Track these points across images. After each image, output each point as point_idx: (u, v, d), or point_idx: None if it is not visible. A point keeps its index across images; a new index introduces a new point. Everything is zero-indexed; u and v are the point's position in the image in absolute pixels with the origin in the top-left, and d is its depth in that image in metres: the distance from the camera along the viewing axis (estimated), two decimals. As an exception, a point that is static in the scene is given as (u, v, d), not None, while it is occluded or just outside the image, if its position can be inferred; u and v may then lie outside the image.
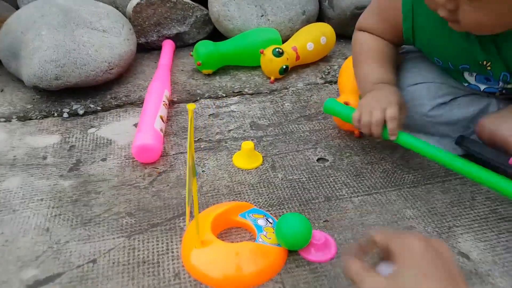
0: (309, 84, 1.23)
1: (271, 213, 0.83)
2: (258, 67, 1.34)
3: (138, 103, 1.18)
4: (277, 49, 1.24)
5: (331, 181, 0.91)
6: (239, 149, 1.00)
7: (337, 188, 0.89)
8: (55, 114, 1.15)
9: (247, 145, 0.95)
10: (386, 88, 0.88)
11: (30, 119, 1.13)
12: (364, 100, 0.88)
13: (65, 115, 1.14)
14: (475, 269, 0.71)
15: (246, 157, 0.96)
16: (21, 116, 1.14)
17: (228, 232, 0.80)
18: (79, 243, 0.78)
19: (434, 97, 0.92)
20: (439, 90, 0.92)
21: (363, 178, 0.91)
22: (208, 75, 1.31)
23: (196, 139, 1.04)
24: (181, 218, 0.83)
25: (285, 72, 1.27)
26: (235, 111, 1.14)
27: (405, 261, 0.49)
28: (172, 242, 0.78)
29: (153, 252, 0.76)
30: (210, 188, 0.90)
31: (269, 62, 1.25)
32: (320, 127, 1.07)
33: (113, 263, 0.75)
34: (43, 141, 1.05)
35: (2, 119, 1.12)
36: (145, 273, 0.73)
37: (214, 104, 1.18)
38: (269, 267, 0.72)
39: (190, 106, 0.57)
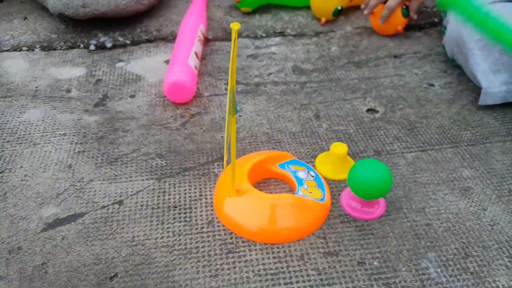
0: (358, 28, 1.12)
1: (312, 166, 0.75)
2: (301, 7, 1.22)
3: (170, 38, 1.09)
4: None
5: (381, 134, 0.82)
6: (280, 95, 0.91)
7: (388, 142, 0.80)
8: (81, 46, 1.06)
9: (340, 148, 0.73)
10: None
11: (54, 49, 1.05)
12: None
13: (92, 47, 1.06)
14: None
15: (335, 164, 0.74)
16: (45, 46, 1.06)
17: (265, 182, 0.73)
18: (104, 183, 0.72)
19: None
20: None
21: (417, 133, 0.82)
22: (247, 13, 1.21)
23: (233, 80, 0.95)
24: (216, 163, 0.75)
25: (339, 14, 1.15)
26: (276, 53, 1.05)
27: None
28: (205, 188, 0.71)
29: (185, 197, 0.70)
30: (248, 134, 0.82)
31: (322, 1, 1.13)
32: (371, 75, 0.97)
33: (141, 205, 0.69)
34: (67, 73, 0.97)
35: (25, 48, 1.05)
36: (176, 218, 0.67)
37: (253, 45, 1.08)
38: (309, 223, 0.65)
39: (235, 26, 0.48)
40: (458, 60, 0.95)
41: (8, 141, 0.80)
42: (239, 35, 1.10)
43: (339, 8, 1.13)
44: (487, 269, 0.60)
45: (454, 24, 0.93)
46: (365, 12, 1.07)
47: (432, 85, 0.95)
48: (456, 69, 0.98)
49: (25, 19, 1.17)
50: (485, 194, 0.71)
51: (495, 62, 0.86)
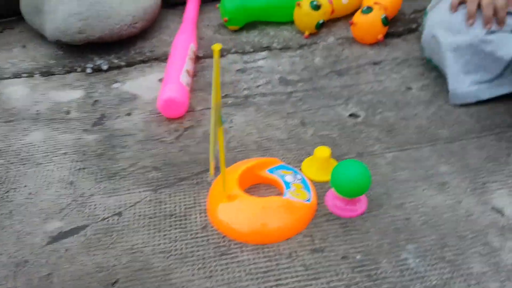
0: (340, 38, 1.17)
1: (299, 170, 0.80)
2: (286, 22, 1.28)
3: (163, 58, 1.14)
4: (314, 2, 1.17)
5: (363, 137, 0.87)
6: (268, 105, 0.96)
7: (369, 144, 0.85)
8: (78, 70, 1.12)
9: (323, 152, 0.78)
10: None
11: (53, 74, 1.11)
12: None
13: (89, 70, 1.11)
14: (508, 224, 0.69)
15: (320, 167, 0.79)
16: (44, 72, 1.12)
17: (255, 187, 0.78)
18: (104, 196, 0.77)
19: None
20: None
21: (396, 134, 0.87)
22: (235, 30, 1.27)
23: (223, 94, 1.00)
24: (209, 172, 0.80)
25: (321, 27, 1.20)
26: (263, 67, 1.10)
27: None
28: (199, 196, 0.76)
29: (180, 206, 0.74)
30: (238, 144, 0.87)
31: (305, 15, 1.18)
32: (352, 82, 1.02)
33: (139, 216, 0.73)
34: (66, 96, 1.03)
35: (25, 74, 1.10)
36: (172, 226, 0.71)
37: (241, 59, 1.13)
38: (296, 223, 0.70)
39: (216, 47, 0.53)
40: (434, 60, 1.00)
41: (12, 163, 0.85)
42: (228, 51, 1.16)
43: (321, 21, 1.18)
44: (462, 257, 0.65)
45: (429, 26, 0.98)
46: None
47: (410, 88, 0.99)
48: (433, 71, 1.03)
49: (24, 47, 1.23)
50: (460, 188, 0.75)
51: (466, 63, 0.91)
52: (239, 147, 0.86)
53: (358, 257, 0.65)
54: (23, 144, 0.89)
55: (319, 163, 0.78)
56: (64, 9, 1.10)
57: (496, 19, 0.89)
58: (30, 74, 1.11)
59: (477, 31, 0.89)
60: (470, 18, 0.90)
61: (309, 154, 0.83)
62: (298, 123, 0.91)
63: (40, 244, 0.70)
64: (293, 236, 0.69)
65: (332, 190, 0.74)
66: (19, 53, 1.19)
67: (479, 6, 0.89)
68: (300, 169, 0.80)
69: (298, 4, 1.17)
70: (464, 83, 0.91)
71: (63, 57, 1.17)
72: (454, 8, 0.92)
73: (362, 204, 0.72)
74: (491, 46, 0.88)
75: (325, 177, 0.77)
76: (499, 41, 0.88)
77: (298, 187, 0.74)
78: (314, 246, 0.67)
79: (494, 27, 0.89)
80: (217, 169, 0.76)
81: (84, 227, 0.72)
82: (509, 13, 0.90)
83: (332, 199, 0.73)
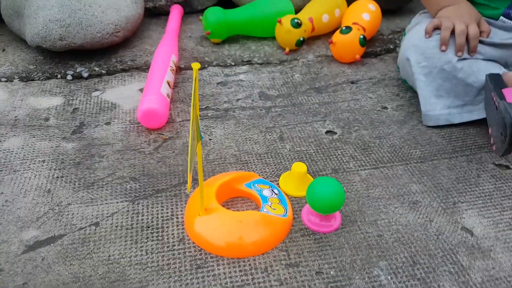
0: (319, 56, 1.20)
1: (277, 184, 0.81)
2: (268, 37, 1.30)
3: (144, 68, 1.15)
4: (296, 20, 1.19)
5: (338, 154, 0.89)
6: (248, 119, 0.97)
7: (344, 161, 0.87)
8: (59, 76, 1.12)
9: (300, 167, 0.80)
10: (464, 3, 0.99)
11: (32, 80, 1.11)
12: (444, 12, 0.98)
13: (69, 77, 1.11)
14: (477, 244, 0.71)
15: (296, 182, 0.81)
16: (23, 77, 1.11)
17: (233, 201, 0.79)
18: (81, 206, 0.77)
19: None
20: None
21: (370, 152, 0.90)
22: (217, 43, 1.28)
23: (203, 107, 1.02)
24: (187, 184, 0.81)
25: (301, 44, 1.23)
26: (244, 80, 1.12)
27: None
28: (177, 208, 0.77)
29: (157, 217, 0.75)
30: (217, 157, 0.88)
31: (286, 33, 1.21)
32: (330, 100, 1.05)
33: (116, 226, 0.73)
34: (45, 103, 1.02)
35: (3, 79, 1.10)
36: (148, 238, 0.72)
37: (222, 72, 1.15)
38: (272, 237, 0.71)
39: (195, 66, 0.54)
40: (409, 81, 1.03)
41: (-11, 169, 0.84)
42: (210, 63, 1.17)
43: (301, 39, 1.21)
44: (433, 275, 0.67)
45: (404, 48, 1.01)
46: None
47: (385, 108, 1.03)
48: (408, 92, 1.07)
49: (3, 51, 1.22)
50: (432, 207, 0.78)
51: (438, 88, 0.94)
52: (218, 159, 0.87)
53: (332, 272, 0.67)
54: (0, 150, 0.88)
55: (295, 178, 0.80)
56: (45, 15, 1.09)
57: (468, 47, 0.93)
58: (9, 79, 1.10)
59: (450, 56, 0.93)
60: (443, 44, 0.93)
61: (287, 169, 0.85)
62: (277, 137, 0.93)
63: (16, 253, 0.69)
64: (269, 251, 0.70)
65: (308, 205, 0.75)
66: (-2, 56, 1.18)
67: (452, 33, 0.93)
68: (278, 184, 0.82)
69: (280, 21, 1.20)
70: (436, 106, 0.95)
71: (43, 62, 1.16)
72: (428, 34, 0.96)
73: (336, 220, 0.74)
74: (462, 73, 0.92)
75: (301, 192, 0.79)
76: (469, 68, 0.92)
77: (275, 202, 0.76)
78: (290, 261, 0.69)
79: (465, 54, 0.93)
80: (196, 181, 0.77)
81: (61, 236, 0.72)
82: (480, 42, 0.93)
83: (308, 215, 0.75)
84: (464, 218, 0.76)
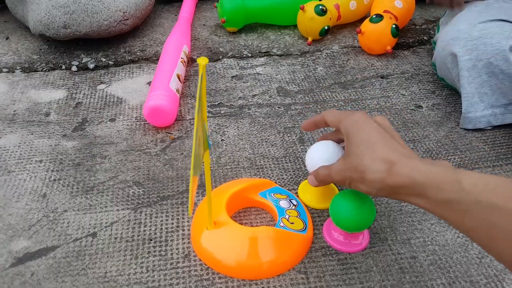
0: (345, 47, 1.10)
1: (295, 193, 0.72)
2: (288, 26, 1.21)
3: (154, 59, 1.07)
4: (320, 7, 1.10)
5: (367, 159, 0.79)
6: (264, 117, 0.88)
7: (374, 167, 0.78)
8: (63, 67, 1.04)
9: None
10: None
11: (35, 70, 1.03)
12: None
13: (74, 68, 1.04)
14: None
15: (318, 192, 0.72)
16: (25, 67, 1.04)
17: (245, 211, 0.70)
18: (79, 213, 0.69)
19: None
20: None
21: (404, 158, 0.80)
22: (233, 32, 1.19)
23: (216, 103, 0.93)
24: (196, 191, 0.73)
25: (326, 33, 1.13)
26: (261, 74, 1.02)
27: (353, 137, 0.54)
28: (183, 218, 0.69)
29: (161, 229, 0.67)
30: (229, 160, 0.79)
31: (310, 20, 1.11)
32: (357, 97, 0.95)
33: (115, 238, 0.66)
34: (47, 96, 0.95)
35: (5, 69, 1.03)
36: (150, 252, 0.64)
37: (238, 65, 1.06)
38: (290, 256, 0.62)
39: (202, 61, 0.45)
40: (448, 80, 0.92)
41: (-20, 170, 0.77)
42: (225, 55, 1.08)
43: (326, 27, 1.11)
44: (475, 305, 0.58)
45: (442, 44, 0.90)
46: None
47: (420, 106, 0.92)
48: (444, 89, 0.96)
49: (7, 39, 1.15)
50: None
51: (482, 84, 0.83)
52: (230, 163, 0.79)
53: (358, 301, 0.58)
54: (-5, 149, 0.81)
55: (317, 188, 0.71)
56: (48, 1, 1.02)
57: None
58: (11, 69, 1.03)
59: (502, 44, 0.81)
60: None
61: (307, 175, 0.76)
62: (296, 139, 0.84)
63: (3, 266, 0.62)
64: (286, 272, 0.62)
65: (331, 220, 0.66)
66: (1, 45, 1.12)
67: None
68: (296, 193, 0.73)
69: (302, 8, 1.10)
70: (478, 107, 0.84)
71: (47, 52, 1.09)
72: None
73: (364, 238, 0.65)
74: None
75: (324, 204, 0.70)
76: None
77: (293, 215, 0.67)
78: (309, 285, 0.60)
79: None
80: (203, 188, 0.69)
81: (54, 248, 0.64)
82: None
83: (330, 231, 0.66)
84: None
